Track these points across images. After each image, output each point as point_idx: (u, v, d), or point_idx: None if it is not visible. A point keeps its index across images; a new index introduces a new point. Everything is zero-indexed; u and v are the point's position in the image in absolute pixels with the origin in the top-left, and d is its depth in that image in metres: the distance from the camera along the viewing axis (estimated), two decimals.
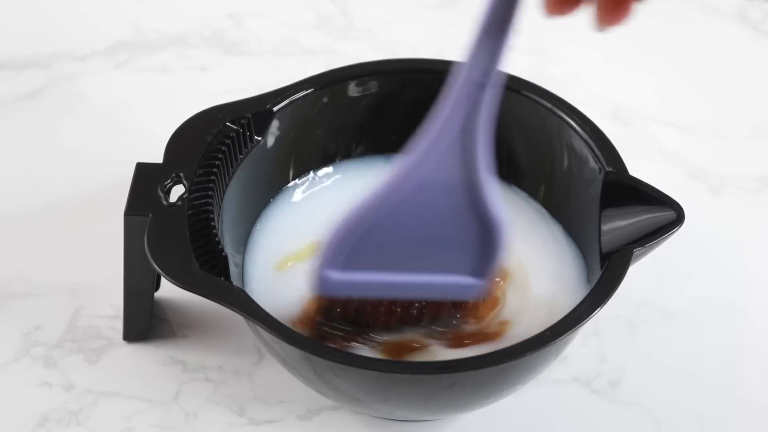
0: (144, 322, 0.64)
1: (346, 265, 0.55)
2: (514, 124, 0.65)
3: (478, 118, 0.50)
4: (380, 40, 0.84)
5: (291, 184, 0.66)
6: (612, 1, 0.44)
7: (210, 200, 0.59)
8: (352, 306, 0.58)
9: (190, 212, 0.58)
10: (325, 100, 0.65)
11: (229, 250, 0.59)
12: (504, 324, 0.60)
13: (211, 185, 0.59)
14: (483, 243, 0.55)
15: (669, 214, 0.57)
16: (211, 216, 0.58)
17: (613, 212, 0.59)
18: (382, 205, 0.53)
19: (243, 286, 0.61)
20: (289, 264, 0.63)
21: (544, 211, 0.65)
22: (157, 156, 0.60)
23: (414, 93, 0.65)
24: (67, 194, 0.72)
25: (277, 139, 0.64)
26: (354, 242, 0.54)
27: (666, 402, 0.63)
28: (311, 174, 0.67)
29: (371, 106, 0.66)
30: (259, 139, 0.63)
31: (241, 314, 0.54)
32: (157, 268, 0.56)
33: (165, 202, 0.58)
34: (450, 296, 0.57)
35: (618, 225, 0.58)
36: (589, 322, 0.54)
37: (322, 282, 0.56)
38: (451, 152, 0.51)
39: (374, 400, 0.57)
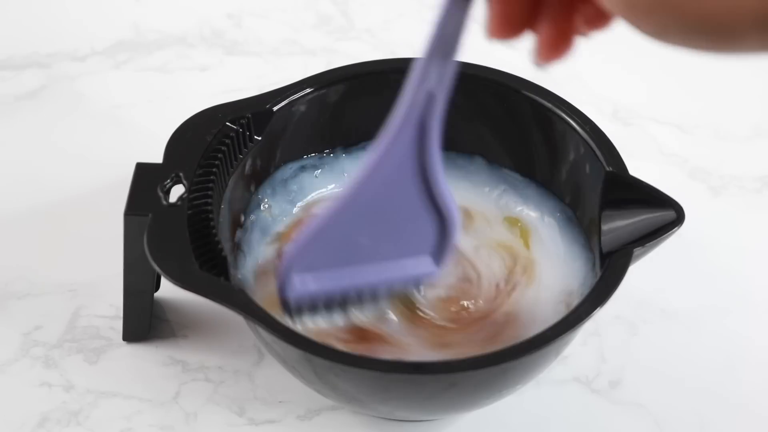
0: (144, 322, 0.64)
1: (311, 266, 0.56)
2: (513, 123, 0.65)
3: (430, 124, 0.52)
4: (380, 39, 0.84)
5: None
6: (555, 34, 0.44)
7: (210, 200, 0.59)
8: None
9: (189, 212, 0.58)
10: (325, 100, 0.65)
11: (228, 250, 0.59)
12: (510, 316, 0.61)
13: (210, 185, 0.59)
14: (439, 234, 0.57)
15: (669, 214, 0.57)
16: (210, 216, 0.58)
17: (613, 212, 0.59)
18: (344, 206, 0.55)
19: (242, 286, 0.61)
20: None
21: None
22: (156, 156, 0.60)
23: None
24: (67, 194, 0.72)
25: (277, 139, 0.64)
26: (318, 243, 0.56)
27: (666, 402, 0.63)
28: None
29: (372, 106, 0.66)
30: (259, 138, 0.63)
31: (241, 314, 0.54)
32: (157, 268, 0.55)
33: (165, 202, 0.58)
34: (409, 278, 0.59)
35: (618, 225, 0.58)
36: (589, 322, 0.54)
37: (289, 284, 0.56)
38: (407, 155, 0.54)
39: (374, 400, 0.57)
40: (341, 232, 0.56)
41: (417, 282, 0.59)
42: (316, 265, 0.56)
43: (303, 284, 0.57)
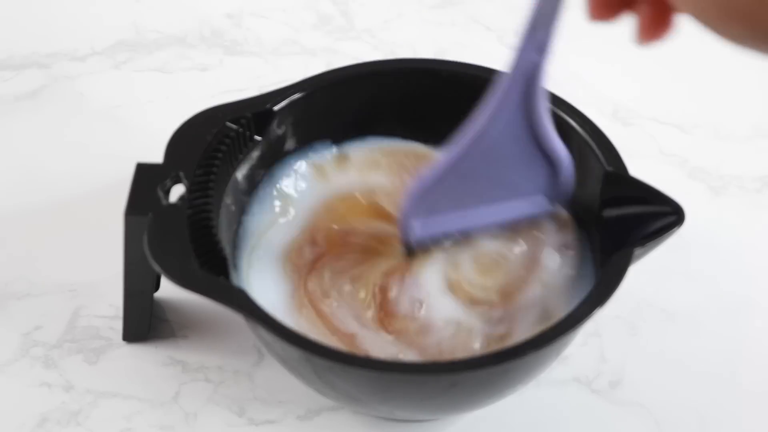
0: (144, 322, 0.64)
1: (429, 211, 0.60)
2: None
3: (537, 81, 0.56)
4: (380, 39, 0.84)
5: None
6: (654, 15, 0.45)
7: (210, 200, 0.59)
8: None
9: (189, 212, 0.58)
10: (325, 100, 0.65)
11: (228, 250, 0.59)
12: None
13: (210, 185, 0.59)
14: (550, 177, 0.61)
15: (669, 214, 0.57)
16: (210, 216, 0.58)
17: (613, 212, 0.59)
18: (456, 160, 0.59)
19: (243, 285, 0.61)
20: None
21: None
22: (157, 156, 0.60)
23: (415, 93, 0.65)
24: (67, 194, 0.72)
25: (277, 139, 0.64)
26: (433, 192, 0.60)
27: (666, 402, 0.63)
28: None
29: (372, 107, 0.66)
30: (259, 139, 0.63)
31: (241, 314, 0.54)
32: (157, 268, 0.55)
33: (165, 202, 0.58)
34: (521, 215, 0.62)
35: (618, 225, 0.58)
36: (589, 322, 0.54)
37: (409, 229, 0.60)
38: (516, 110, 0.57)
39: (374, 400, 0.57)
40: (457, 179, 0.59)
41: (532, 217, 0.62)
42: (434, 209, 0.60)
43: (423, 228, 0.60)
